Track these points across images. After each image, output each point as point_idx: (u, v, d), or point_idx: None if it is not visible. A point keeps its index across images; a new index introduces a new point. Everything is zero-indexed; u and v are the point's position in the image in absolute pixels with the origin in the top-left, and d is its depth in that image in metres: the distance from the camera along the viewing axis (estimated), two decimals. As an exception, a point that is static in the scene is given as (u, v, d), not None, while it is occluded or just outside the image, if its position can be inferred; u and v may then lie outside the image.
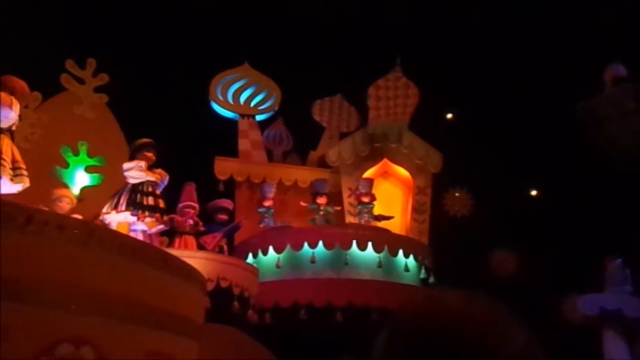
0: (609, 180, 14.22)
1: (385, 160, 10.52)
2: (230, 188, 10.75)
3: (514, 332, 0.92)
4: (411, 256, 9.14)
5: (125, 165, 6.63)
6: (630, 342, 10.05)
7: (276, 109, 11.73)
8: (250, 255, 9.20)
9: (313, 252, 8.72)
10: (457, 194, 14.26)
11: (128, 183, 6.55)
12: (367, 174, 10.34)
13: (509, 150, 14.75)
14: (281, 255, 8.87)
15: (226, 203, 8.76)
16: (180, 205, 7.90)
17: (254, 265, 8.69)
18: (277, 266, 8.85)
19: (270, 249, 8.94)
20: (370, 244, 8.77)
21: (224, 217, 8.48)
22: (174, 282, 5.08)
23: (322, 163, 11.17)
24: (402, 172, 10.53)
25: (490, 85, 15.44)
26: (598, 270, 10.69)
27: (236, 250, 9.33)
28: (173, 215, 7.58)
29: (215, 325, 5.91)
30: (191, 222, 7.69)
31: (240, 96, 11.41)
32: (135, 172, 6.51)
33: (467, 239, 13.50)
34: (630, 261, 10.49)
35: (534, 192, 15.19)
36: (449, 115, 16.24)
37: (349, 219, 9.99)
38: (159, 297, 4.79)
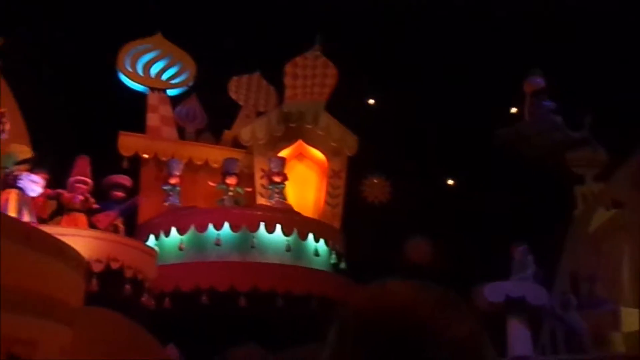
0: (518, 172, 14.60)
1: (300, 141, 10.17)
2: (136, 165, 10.10)
3: (460, 319, 0.95)
4: (322, 240, 8.87)
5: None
6: (534, 329, 10.25)
7: (190, 84, 11.12)
8: (152, 236, 8.64)
9: (218, 234, 8.28)
10: (375, 181, 14.20)
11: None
12: (282, 155, 9.95)
13: (428, 139, 14.84)
14: (184, 237, 8.38)
15: (123, 179, 8.14)
16: (70, 179, 7.24)
17: (155, 247, 8.16)
18: (180, 248, 8.35)
19: (173, 230, 8.42)
20: (278, 226, 8.43)
21: (120, 194, 7.87)
22: (40, 260, 4.52)
23: (237, 143, 10.68)
24: (317, 154, 10.23)
25: (413, 74, 15.45)
26: (508, 257, 10.87)
27: (138, 231, 8.76)
28: (60, 190, 6.93)
29: (94, 309, 5.39)
30: (81, 198, 7.05)
31: (151, 68, 10.73)
32: None
33: (384, 225, 13.47)
34: (535, 249, 10.76)
35: (450, 182, 15.39)
36: (371, 101, 16.18)
37: (261, 201, 9.59)
38: (18, 275, 4.23)
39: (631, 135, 12.43)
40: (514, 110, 16.45)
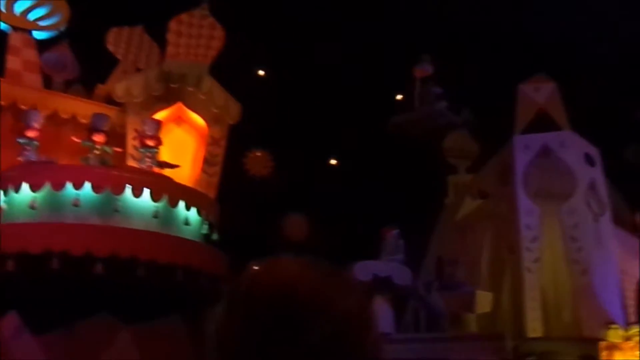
0: (401, 159, 15.01)
1: (179, 104, 9.58)
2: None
3: (347, 294, 0.97)
4: (194, 209, 8.42)
5: None
6: (399, 309, 10.57)
7: (62, 29, 10.09)
8: (0, 192, 7.73)
9: (77, 194, 7.56)
10: (258, 154, 13.92)
11: None
12: (159, 116, 9.32)
13: (315, 118, 14.77)
14: (38, 195, 7.57)
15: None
16: None
17: (3, 204, 7.31)
18: (32, 207, 7.54)
19: (25, 186, 7.58)
20: (147, 191, 7.87)
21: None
22: None
23: (111, 100, 9.88)
24: (197, 119, 9.69)
25: (306, 50, 15.26)
26: (379, 239, 11.10)
27: (-15, 185, 7.80)
28: None
29: None
30: None
31: (15, 4, 9.58)
32: None
33: (263, 200, 13.26)
34: (406, 232, 11.09)
35: (333, 162, 15.47)
36: (260, 72, 15.80)
37: (131, 164, 8.92)
38: None
39: (502, 130, 13.13)
40: (399, 97, 16.89)
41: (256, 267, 1.00)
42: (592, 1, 17.27)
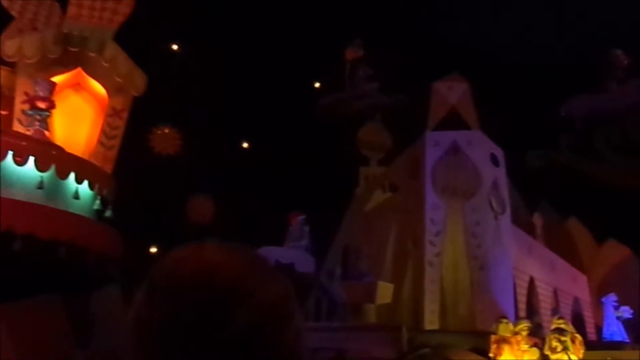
0: (316, 148, 14.90)
1: (79, 69, 8.90)
2: None
3: (271, 282, 0.96)
4: (86, 183, 7.83)
5: None
6: (301, 297, 10.41)
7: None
8: None
9: (-51, 158, 6.82)
10: (166, 131, 13.31)
11: None
12: (55, 81, 8.61)
13: (231, 99, 14.33)
14: None
15: None
16: None
17: None
18: None
19: None
20: (32, 159, 7.22)
21: None
22: None
23: (2, 59, 9.03)
24: (98, 87, 9.06)
25: (227, 30, 14.76)
26: (286, 224, 10.92)
27: None
28: None
29: None
30: None
31: None
32: None
33: (167, 179, 12.69)
34: (314, 220, 10.98)
35: (245, 145, 15.09)
36: (175, 47, 15.14)
37: (18, 129, 8.19)
38: None
39: (415, 126, 13.30)
40: (317, 84, 16.82)
41: (178, 252, 0.96)
42: (509, 8, 17.93)
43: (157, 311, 0.90)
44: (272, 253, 9.04)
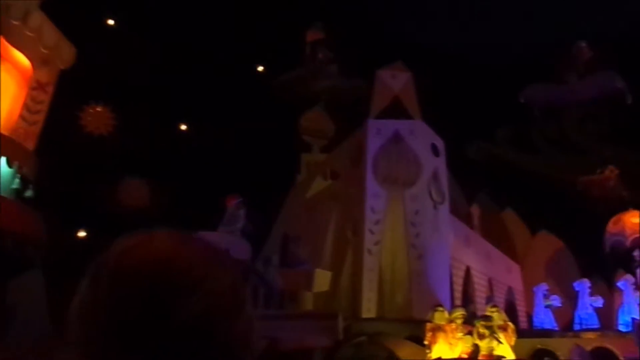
0: (259, 132, 14.60)
1: (1, 38, 8.27)
2: None
3: (221, 272, 0.94)
4: (3, 159, 7.30)
5: None
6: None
7: None
8: None
9: None
10: (98, 109, 12.66)
11: None
12: (-28, 50, 7.96)
13: (169, 78, 13.79)
14: None
15: None
16: None
17: None
18: None
19: None
20: (-59, 132, 6.63)
21: None
22: None
23: None
24: (21, 58, 8.44)
25: (167, 6, 14.19)
26: (222, 208, 10.59)
27: None
28: None
29: None
30: None
31: None
32: None
33: (98, 159, 12.08)
34: (254, 206, 10.71)
35: (183, 127, 14.60)
36: (111, 22, 14.44)
37: None
38: None
39: (357, 114, 13.20)
40: (260, 68, 16.51)
41: (126, 241, 0.93)
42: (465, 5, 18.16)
43: (102, 301, 0.89)
44: (205, 238, 8.73)
